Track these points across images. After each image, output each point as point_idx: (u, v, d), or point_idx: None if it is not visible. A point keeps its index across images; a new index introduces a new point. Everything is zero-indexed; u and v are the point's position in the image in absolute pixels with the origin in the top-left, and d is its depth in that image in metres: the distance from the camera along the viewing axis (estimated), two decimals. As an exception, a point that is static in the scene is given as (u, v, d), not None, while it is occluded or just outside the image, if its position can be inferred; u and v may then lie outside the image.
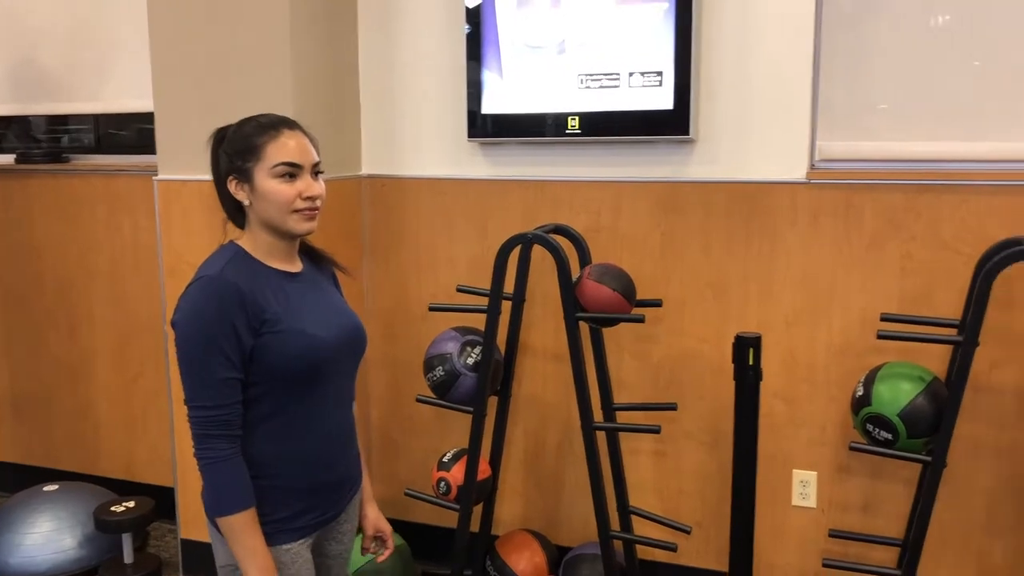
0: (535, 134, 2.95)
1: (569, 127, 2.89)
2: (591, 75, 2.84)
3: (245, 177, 1.70)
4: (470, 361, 2.75)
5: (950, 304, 2.61)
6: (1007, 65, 2.58)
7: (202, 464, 1.63)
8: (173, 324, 1.64)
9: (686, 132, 2.76)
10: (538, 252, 2.84)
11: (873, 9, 2.69)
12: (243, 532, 1.63)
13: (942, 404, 2.35)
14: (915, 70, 2.67)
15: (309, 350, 1.68)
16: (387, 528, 2.03)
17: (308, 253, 1.88)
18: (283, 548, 1.72)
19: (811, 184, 2.74)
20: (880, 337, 2.38)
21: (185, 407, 1.64)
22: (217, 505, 1.64)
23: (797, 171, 2.75)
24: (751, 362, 2.39)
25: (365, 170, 3.30)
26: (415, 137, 3.21)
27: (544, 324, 3.08)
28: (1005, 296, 2.55)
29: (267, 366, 1.65)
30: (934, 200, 2.63)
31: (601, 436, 2.83)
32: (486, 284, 2.77)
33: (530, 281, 2.89)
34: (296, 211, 1.70)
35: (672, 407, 2.73)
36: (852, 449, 2.45)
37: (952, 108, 2.65)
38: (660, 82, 2.75)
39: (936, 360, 2.58)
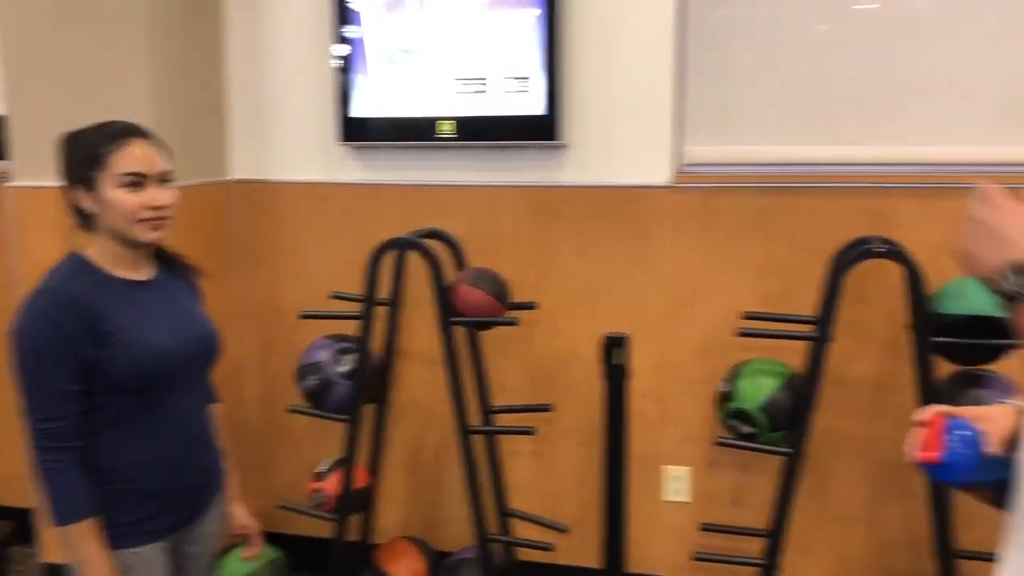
0: (409, 138, 2.94)
1: (444, 131, 2.89)
2: (463, 79, 2.85)
3: (91, 186, 1.67)
4: (344, 369, 2.71)
5: (809, 302, 2.72)
6: (862, 73, 2.71)
7: (41, 475, 1.63)
8: (11, 335, 1.59)
9: (557, 137, 2.80)
10: (417, 256, 2.83)
11: (735, 19, 2.79)
12: (82, 541, 1.64)
13: (801, 398, 2.45)
14: (776, 77, 2.78)
15: (152, 360, 1.67)
16: (254, 527, 2.06)
17: (165, 259, 1.83)
18: (131, 552, 1.71)
19: (676, 188, 2.82)
20: (740, 335, 2.47)
21: (25, 418, 1.61)
22: (56, 515, 1.64)
23: (663, 175, 2.82)
24: (618, 361, 2.43)
25: (235, 174, 3.22)
26: (286, 141, 3.15)
27: (423, 329, 3.07)
28: (859, 293, 2.67)
29: (110, 376, 1.64)
30: (792, 202, 2.74)
31: (482, 439, 2.84)
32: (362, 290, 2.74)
33: (409, 285, 2.88)
34: (142, 220, 1.68)
35: (547, 408, 2.76)
36: (718, 444, 2.53)
37: (811, 114, 2.76)
38: (528, 88, 2.78)
39: (798, 356, 2.69)
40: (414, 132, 2.91)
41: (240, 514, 2.04)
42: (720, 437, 2.54)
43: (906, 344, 2.63)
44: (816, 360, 2.40)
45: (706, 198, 2.80)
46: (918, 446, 1.21)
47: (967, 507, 2.50)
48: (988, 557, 2.39)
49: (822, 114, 2.75)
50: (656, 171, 2.82)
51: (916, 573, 2.76)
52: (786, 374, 2.50)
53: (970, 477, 1.21)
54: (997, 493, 1.27)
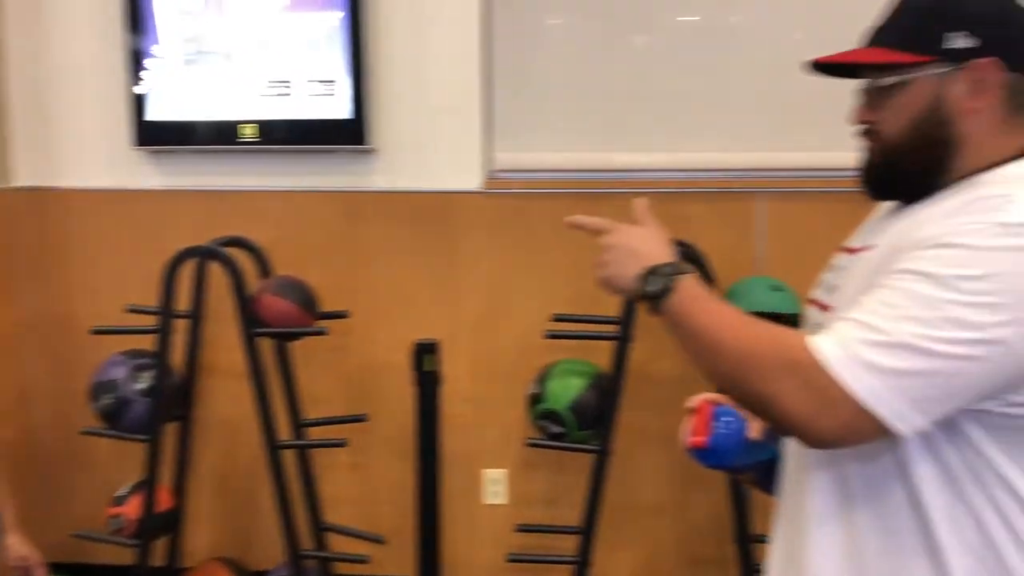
0: (209, 142, 2.82)
1: (246, 135, 2.79)
2: (266, 82, 2.76)
3: None
4: (141, 386, 2.56)
5: (616, 304, 2.80)
6: (658, 83, 2.81)
7: None
8: None
9: (365, 142, 2.76)
10: (219, 266, 2.71)
11: (540, 28, 2.84)
12: None
13: (607, 396, 2.52)
14: (580, 86, 2.84)
15: None
16: (35, 558, 1.93)
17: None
18: None
19: (488, 193, 2.84)
20: (547, 336, 2.51)
21: None
22: None
23: (474, 181, 2.83)
24: (429, 367, 2.42)
25: (18, 181, 2.99)
26: (76, 146, 2.95)
27: (228, 342, 2.94)
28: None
29: None
30: (598, 207, 2.74)
31: (294, 453, 2.75)
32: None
33: (212, 297, 2.75)
34: None
35: (362, 418, 2.71)
36: (529, 444, 2.57)
37: (613, 122, 2.84)
38: (334, 91, 2.73)
39: (607, 356, 2.76)
40: (214, 136, 2.80)
41: (17, 545, 1.90)
42: (530, 438, 2.58)
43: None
44: (620, 359, 2.47)
45: (517, 203, 2.84)
46: (688, 432, 1.26)
47: (764, 495, 2.64)
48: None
49: (623, 122, 2.84)
50: (467, 177, 2.83)
51: (719, 558, 2.89)
52: (592, 373, 2.56)
53: (735, 461, 1.27)
54: (761, 476, 1.34)
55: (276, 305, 2.48)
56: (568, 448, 2.55)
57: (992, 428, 1.02)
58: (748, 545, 2.63)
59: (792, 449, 1.24)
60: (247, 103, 2.76)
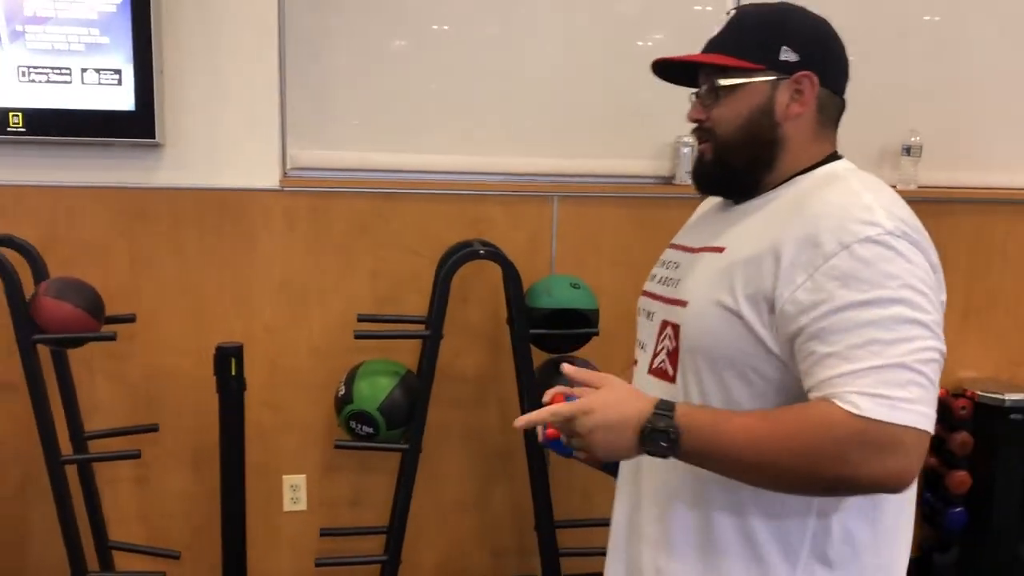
0: (-32, 132, 2.54)
1: (10, 124, 2.54)
2: (36, 68, 2.52)
3: None
4: None
5: (417, 303, 2.83)
6: (461, 88, 2.87)
7: None
8: None
9: (152, 136, 2.60)
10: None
11: (331, 27, 2.81)
12: None
13: (415, 395, 2.54)
14: (378, 87, 2.84)
15: None
16: None
17: None
18: None
19: (285, 191, 2.77)
20: (357, 337, 2.50)
21: None
22: None
23: (271, 178, 2.76)
24: (234, 372, 2.33)
25: None
26: None
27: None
28: (462, 293, 2.83)
29: None
30: (398, 207, 2.83)
31: (75, 468, 2.54)
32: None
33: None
34: None
35: (154, 428, 2.56)
36: (337, 447, 2.54)
37: (414, 124, 2.86)
38: (120, 81, 2.55)
39: (410, 354, 2.78)
40: (-25, 124, 2.52)
41: None
42: (338, 440, 2.55)
43: (504, 338, 2.86)
44: (429, 357, 2.51)
45: (316, 202, 2.79)
46: (546, 425, 1.32)
47: (559, 487, 2.78)
48: (580, 524, 2.70)
49: (420, 124, 2.87)
50: (264, 174, 2.75)
51: (520, 548, 3.01)
52: (401, 373, 2.57)
53: None
54: (606, 462, 1.43)
55: (59, 310, 2.29)
56: (379, 448, 2.55)
57: None
58: (549, 533, 2.75)
59: None
60: (15, 90, 2.52)
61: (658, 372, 1.30)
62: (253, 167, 2.75)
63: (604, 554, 1.43)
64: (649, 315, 1.36)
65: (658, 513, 1.28)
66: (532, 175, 2.90)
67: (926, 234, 1.13)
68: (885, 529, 1.20)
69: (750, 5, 1.28)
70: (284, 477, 2.89)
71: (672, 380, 1.26)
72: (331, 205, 2.80)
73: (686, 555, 1.24)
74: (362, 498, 2.94)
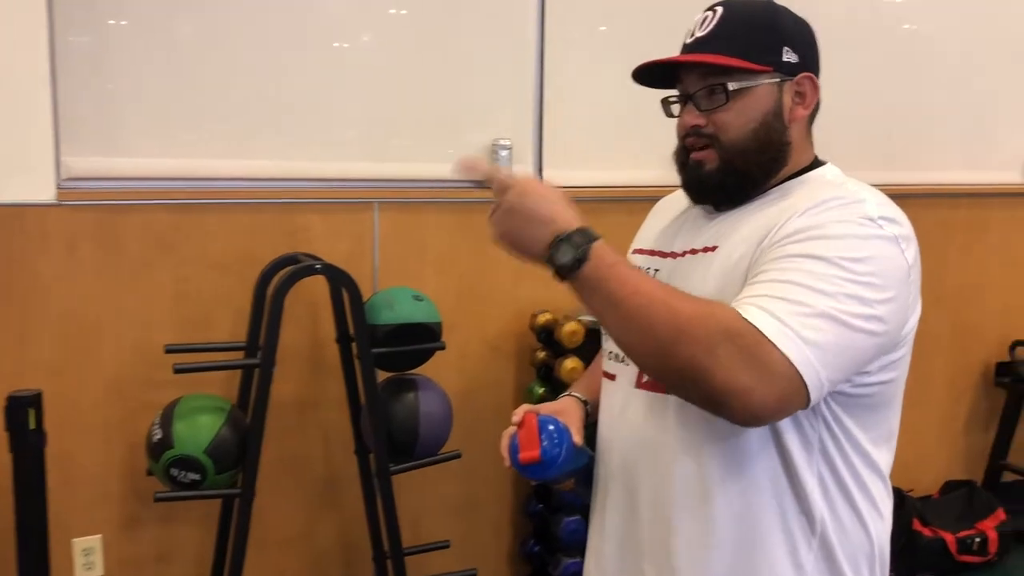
0: None
1: None
2: None
3: None
4: None
5: (230, 326, 2.53)
6: (262, 88, 2.59)
7: None
8: None
9: None
10: None
11: (119, 14, 2.42)
12: None
13: (244, 431, 2.26)
14: (175, 84, 2.48)
15: None
16: None
17: None
18: None
19: (64, 206, 2.35)
20: (176, 371, 2.17)
21: None
22: None
23: (44, 191, 2.33)
24: (33, 425, 1.93)
25: None
26: None
27: None
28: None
29: None
30: (202, 220, 2.51)
31: None
32: None
33: None
34: None
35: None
36: (158, 499, 2.20)
37: (217, 126, 2.54)
38: None
39: (219, 386, 2.48)
40: None
41: None
42: (158, 492, 2.21)
43: (326, 359, 2.64)
44: (262, 388, 2.24)
45: (104, 218, 2.40)
46: (518, 447, 1.23)
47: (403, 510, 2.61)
48: (423, 549, 2.55)
49: (226, 127, 2.56)
50: (37, 187, 2.32)
51: (353, 581, 2.80)
52: (226, 409, 2.28)
53: (565, 468, 1.26)
54: (581, 480, 1.35)
55: None
56: (208, 496, 2.24)
57: (847, 406, 1.13)
58: (385, 562, 2.58)
59: (629, 447, 1.25)
60: None
61: (649, 385, 1.22)
62: (20, 180, 2.31)
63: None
64: None
65: (671, 528, 1.20)
66: (351, 181, 2.69)
67: (912, 235, 1.14)
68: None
69: (734, 3, 1.21)
70: (74, 541, 2.47)
71: (665, 391, 1.19)
72: (122, 221, 2.42)
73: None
74: (171, 553, 2.58)
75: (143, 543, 2.54)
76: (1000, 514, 3.47)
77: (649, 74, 1.24)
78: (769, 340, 0.98)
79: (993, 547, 3.40)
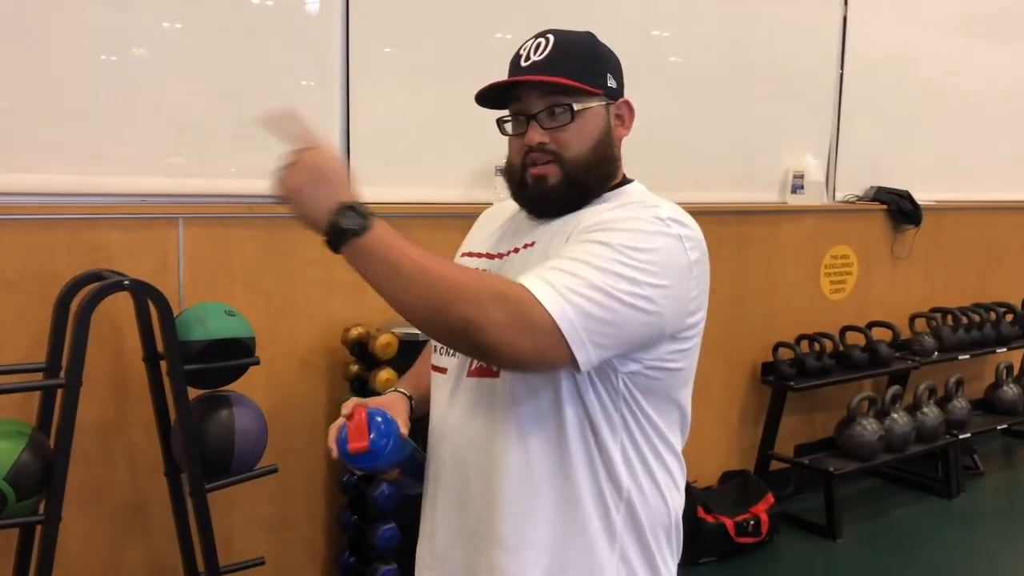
0: None
1: None
2: None
3: None
4: None
5: (22, 348, 2.41)
6: (55, 95, 2.49)
7: None
8: None
9: None
10: None
11: None
12: None
13: (48, 455, 2.17)
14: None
15: None
16: None
17: None
18: None
19: None
20: (-28, 394, 2.06)
21: None
22: None
23: None
24: None
25: None
26: None
27: None
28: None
29: None
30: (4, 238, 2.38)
31: None
32: None
33: None
34: None
35: None
36: (-49, 534, 2.06)
37: (5, 136, 2.43)
38: None
39: (8, 412, 2.35)
40: None
41: None
42: (-48, 526, 2.07)
43: (135, 378, 2.56)
44: (68, 409, 2.16)
45: None
46: (347, 439, 1.29)
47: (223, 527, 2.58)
48: (241, 567, 2.53)
49: (15, 137, 2.45)
50: None
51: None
52: (26, 432, 2.17)
53: (392, 459, 1.34)
54: (407, 470, 1.43)
55: None
56: (7, 525, 2.11)
57: (643, 389, 1.30)
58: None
59: (459, 433, 1.35)
60: None
61: (479, 372, 1.34)
62: None
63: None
64: None
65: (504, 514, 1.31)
66: (154, 196, 2.64)
67: (699, 239, 1.31)
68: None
69: (563, 32, 1.34)
70: None
71: (496, 375, 1.31)
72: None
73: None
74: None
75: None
76: (770, 498, 3.87)
77: (486, 94, 1.35)
78: (536, 300, 1.13)
79: (765, 528, 3.79)
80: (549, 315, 1.13)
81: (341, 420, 1.34)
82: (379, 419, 1.32)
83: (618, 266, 1.18)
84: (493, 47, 3.17)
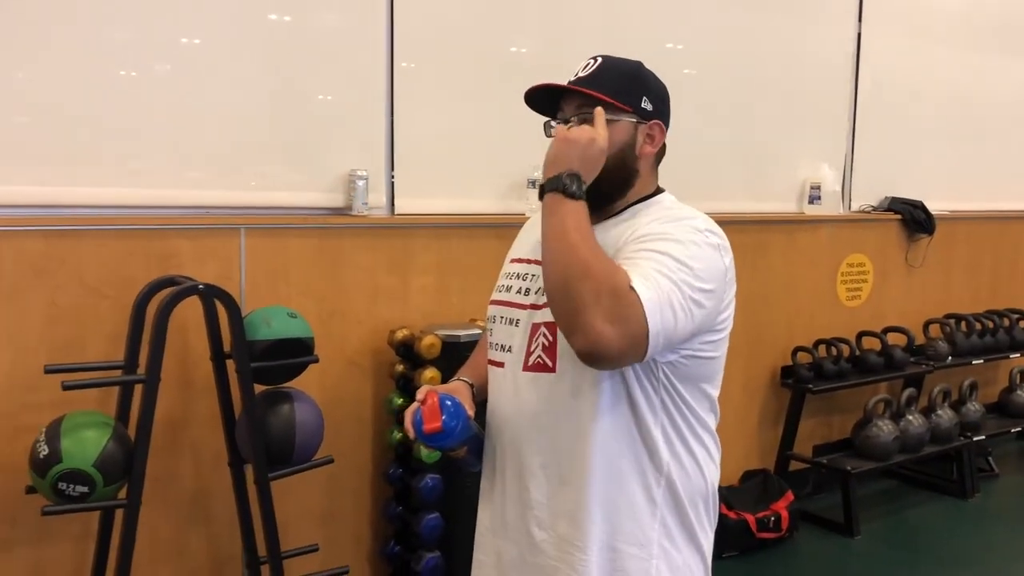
0: None
1: None
2: None
3: None
4: None
5: (104, 348, 2.62)
6: (126, 114, 2.71)
7: None
8: None
9: None
10: None
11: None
12: None
13: (129, 445, 2.38)
14: (41, 107, 2.57)
15: None
16: None
17: None
18: None
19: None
20: (65, 388, 2.27)
21: None
22: None
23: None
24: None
25: None
26: None
27: None
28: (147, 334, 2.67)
29: None
30: (75, 245, 2.60)
31: None
32: None
33: None
34: None
35: None
36: (46, 513, 2.27)
37: (84, 153, 2.63)
38: None
39: (91, 406, 2.55)
40: None
41: None
42: (45, 506, 2.28)
43: (200, 378, 2.77)
44: (148, 403, 2.36)
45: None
46: (422, 420, 1.49)
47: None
48: (297, 552, 2.72)
49: (94, 154, 2.67)
50: None
51: (228, 591, 2.91)
52: (110, 424, 2.38)
53: (461, 437, 1.54)
54: (473, 448, 1.63)
55: None
56: (96, 507, 2.32)
57: (679, 376, 1.49)
58: (259, 568, 2.73)
59: (519, 420, 1.55)
60: None
61: (536, 367, 1.52)
62: None
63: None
64: (513, 322, 1.57)
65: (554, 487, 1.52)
66: (219, 208, 2.86)
67: (727, 245, 1.51)
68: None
69: (612, 57, 1.55)
70: (-61, 568, 2.47)
71: (553, 370, 1.50)
72: (-5, 246, 2.47)
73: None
74: (45, 570, 2.61)
75: (16, 566, 2.56)
76: (789, 496, 4.04)
77: (538, 101, 1.56)
78: (643, 308, 1.32)
79: (785, 524, 3.96)
80: (647, 323, 1.32)
81: (416, 404, 1.53)
82: (449, 403, 1.50)
83: (687, 277, 1.38)
84: (527, 66, 3.38)
